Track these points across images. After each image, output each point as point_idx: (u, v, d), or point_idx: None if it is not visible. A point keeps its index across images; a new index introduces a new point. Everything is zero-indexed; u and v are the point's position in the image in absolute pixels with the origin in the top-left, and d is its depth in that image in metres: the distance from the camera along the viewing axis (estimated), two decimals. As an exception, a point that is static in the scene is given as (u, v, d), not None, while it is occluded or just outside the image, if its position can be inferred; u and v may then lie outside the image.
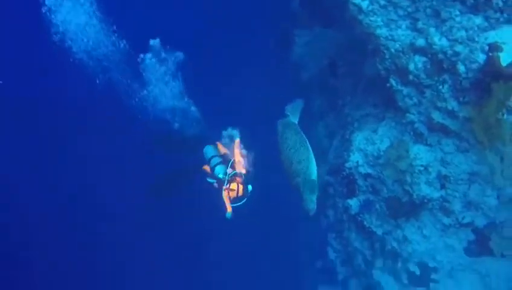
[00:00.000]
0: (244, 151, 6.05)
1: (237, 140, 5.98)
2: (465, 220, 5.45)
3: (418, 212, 5.72)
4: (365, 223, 6.61)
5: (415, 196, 5.48)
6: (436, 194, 5.35)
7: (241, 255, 12.02)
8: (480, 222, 5.51)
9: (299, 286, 10.18)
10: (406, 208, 5.79)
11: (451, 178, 5.20)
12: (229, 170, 5.70)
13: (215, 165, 5.96)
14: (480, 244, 5.57)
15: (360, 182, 6.56)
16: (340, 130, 8.19)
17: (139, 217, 12.59)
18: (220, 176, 5.75)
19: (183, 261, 12.34)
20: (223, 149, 6.39)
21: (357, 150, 6.44)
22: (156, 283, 12.45)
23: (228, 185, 5.58)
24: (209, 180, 6.09)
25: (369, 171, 6.24)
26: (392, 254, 6.42)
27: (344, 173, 6.88)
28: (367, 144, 6.27)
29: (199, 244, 12.63)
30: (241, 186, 5.62)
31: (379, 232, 6.46)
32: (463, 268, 5.97)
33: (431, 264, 6.00)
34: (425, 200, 5.44)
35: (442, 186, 5.35)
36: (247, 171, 5.88)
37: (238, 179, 5.64)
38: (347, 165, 6.59)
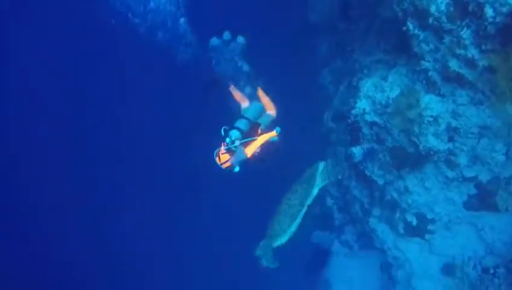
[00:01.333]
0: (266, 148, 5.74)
1: (274, 132, 5.58)
2: (469, 174, 5.34)
3: (422, 164, 5.60)
4: (367, 172, 6.53)
5: (421, 147, 5.32)
6: (443, 147, 5.19)
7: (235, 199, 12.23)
8: (484, 177, 5.40)
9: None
10: (411, 159, 5.66)
11: (461, 131, 5.00)
12: (237, 142, 5.44)
13: (236, 126, 5.63)
14: (481, 199, 5.51)
15: (365, 130, 6.39)
16: (347, 76, 7.89)
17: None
18: (228, 139, 5.48)
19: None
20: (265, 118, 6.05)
21: (364, 97, 6.20)
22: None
23: (219, 150, 5.37)
24: None
25: (376, 119, 6.04)
26: (391, 204, 6.40)
27: (349, 120, 6.69)
28: (376, 91, 6.01)
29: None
30: (227, 163, 5.35)
31: (380, 181, 6.40)
32: (460, 221, 5.98)
33: (429, 216, 6.01)
34: (431, 152, 5.29)
35: (450, 139, 5.17)
36: (251, 158, 5.58)
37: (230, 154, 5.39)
38: (353, 112, 6.38)
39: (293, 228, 5.66)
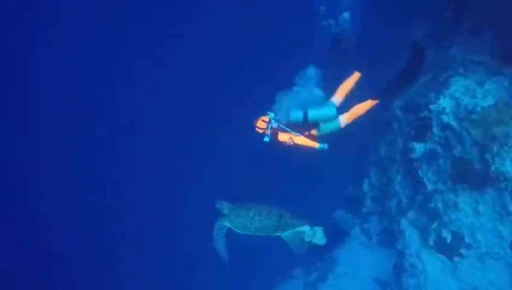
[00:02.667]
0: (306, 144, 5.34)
1: (316, 144, 5.21)
2: (533, 216, 4.85)
3: (484, 186, 5.13)
4: (420, 172, 6.12)
5: (492, 169, 4.84)
6: (517, 177, 4.68)
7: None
8: (546, 223, 4.90)
9: (318, 203, 10.16)
10: (474, 177, 5.19)
11: (545, 167, 4.48)
12: (276, 124, 5.34)
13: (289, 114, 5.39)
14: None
15: (436, 130, 5.89)
16: (433, 69, 7.23)
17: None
18: (271, 115, 5.39)
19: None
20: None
21: (449, 96, 5.65)
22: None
23: (262, 117, 5.41)
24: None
25: (452, 122, 5.52)
26: (432, 213, 6.02)
27: (422, 113, 6.19)
28: (465, 94, 5.45)
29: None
30: (260, 130, 5.39)
31: (430, 187, 5.99)
32: (498, 257, 5.52)
33: (467, 240, 5.59)
34: (501, 178, 4.81)
35: (528, 172, 4.65)
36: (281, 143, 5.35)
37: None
38: (431, 106, 5.86)
39: (245, 232, 5.37)
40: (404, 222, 6.72)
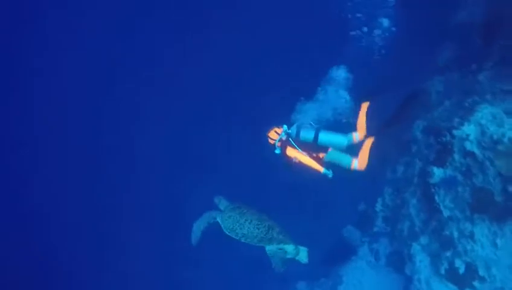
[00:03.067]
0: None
1: (321, 169, 5.15)
2: (554, 255, 4.67)
3: (504, 219, 4.96)
4: (436, 198, 5.96)
5: (514, 203, 4.68)
6: (541, 214, 4.51)
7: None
8: None
9: (328, 217, 10.01)
10: (494, 209, 5.03)
11: None
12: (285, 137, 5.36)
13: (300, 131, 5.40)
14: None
15: (457, 156, 5.74)
16: (459, 93, 7.08)
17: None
18: (285, 127, 5.40)
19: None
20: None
21: (475, 123, 5.49)
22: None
23: (276, 128, 5.44)
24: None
25: (476, 151, 5.36)
26: (446, 241, 5.85)
27: (443, 138, 6.03)
28: (491, 123, 5.29)
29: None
30: (272, 141, 5.41)
31: (445, 213, 5.82)
32: (511, 294, 5.36)
33: (481, 273, 5.40)
34: (523, 213, 4.64)
35: (553, 209, 4.48)
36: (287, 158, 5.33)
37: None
38: (454, 132, 5.71)
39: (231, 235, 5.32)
40: (415, 247, 6.55)
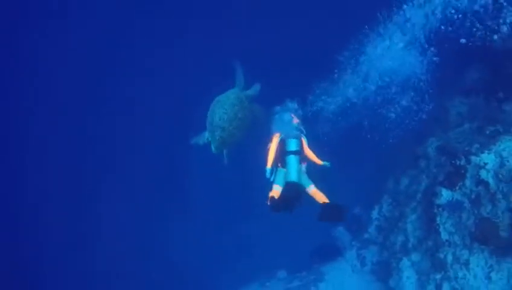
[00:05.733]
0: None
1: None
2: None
3: (504, 255, 4.90)
4: (438, 219, 5.89)
5: (519, 240, 4.60)
6: (544, 257, 4.44)
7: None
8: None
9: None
10: (496, 242, 4.95)
11: None
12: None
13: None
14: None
15: (469, 182, 5.63)
16: (480, 118, 6.93)
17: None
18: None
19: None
20: None
21: (495, 153, 5.36)
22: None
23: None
24: None
25: (490, 181, 5.25)
26: (438, 263, 5.80)
27: (458, 161, 5.92)
28: (512, 155, 5.16)
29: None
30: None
31: (444, 236, 5.76)
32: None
33: (468, 303, 5.39)
34: (526, 253, 4.57)
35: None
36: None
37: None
38: (471, 158, 5.59)
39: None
40: (405, 262, 6.53)
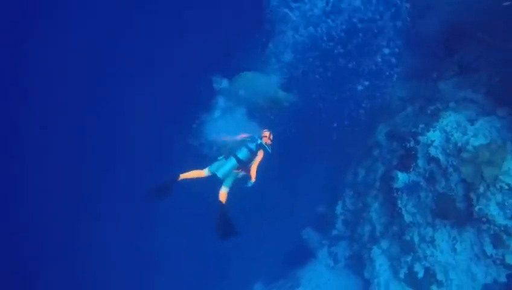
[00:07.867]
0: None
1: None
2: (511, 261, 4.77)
3: (464, 226, 5.04)
4: (399, 202, 6.00)
5: (476, 209, 4.75)
6: (501, 221, 4.60)
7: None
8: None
9: (288, 218, 9.91)
10: (455, 215, 5.09)
11: (531, 214, 4.42)
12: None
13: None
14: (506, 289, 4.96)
15: (421, 162, 5.80)
16: (422, 99, 7.21)
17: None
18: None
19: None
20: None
21: (440, 130, 5.56)
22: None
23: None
24: None
25: (440, 157, 5.43)
26: (406, 245, 5.89)
27: (408, 143, 6.09)
28: (456, 130, 5.37)
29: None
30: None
31: (407, 219, 5.87)
32: (467, 298, 5.47)
33: (439, 277, 5.47)
34: (484, 219, 4.72)
35: (513, 217, 4.58)
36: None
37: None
38: (419, 138, 5.77)
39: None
40: (375, 250, 6.58)
